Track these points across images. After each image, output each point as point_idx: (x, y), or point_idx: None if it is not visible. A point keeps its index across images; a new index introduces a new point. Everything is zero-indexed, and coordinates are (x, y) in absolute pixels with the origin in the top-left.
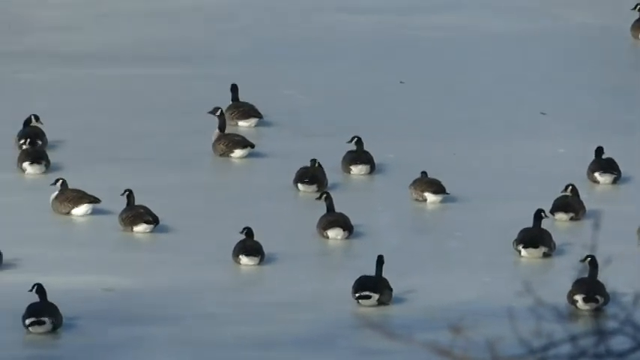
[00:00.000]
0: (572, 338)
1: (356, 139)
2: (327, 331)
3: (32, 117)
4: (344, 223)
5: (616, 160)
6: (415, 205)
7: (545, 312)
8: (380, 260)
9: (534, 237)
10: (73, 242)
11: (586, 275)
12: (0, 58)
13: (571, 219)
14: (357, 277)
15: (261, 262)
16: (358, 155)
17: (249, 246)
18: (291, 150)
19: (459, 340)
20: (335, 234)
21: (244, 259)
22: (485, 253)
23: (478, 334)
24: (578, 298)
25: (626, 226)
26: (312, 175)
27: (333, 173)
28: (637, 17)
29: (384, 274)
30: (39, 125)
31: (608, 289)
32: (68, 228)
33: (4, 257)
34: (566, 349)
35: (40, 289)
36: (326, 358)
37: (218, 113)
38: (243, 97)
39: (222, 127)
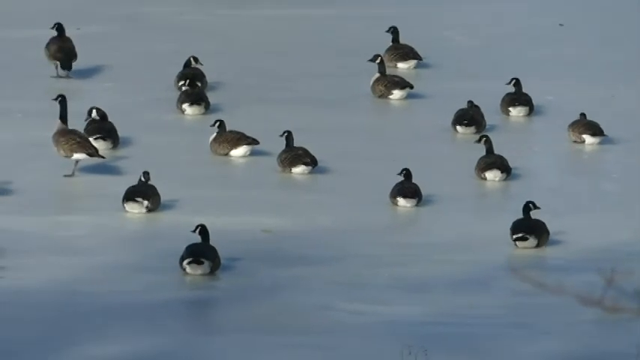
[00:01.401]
0: None
1: (514, 80)
2: (483, 272)
3: (191, 59)
4: (502, 165)
5: None
6: (573, 147)
7: None
8: (526, 207)
9: None
10: (231, 184)
11: None
12: None
13: None
14: (515, 219)
15: (418, 203)
16: (517, 97)
17: (406, 188)
18: (449, 92)
19: (610, 288)
20: (493, 175)
21: (402, 201)
22: None
23: (630, 281)
24: None
25: None
26: (470, 116)
27: (491, 115)
28: None
29: (540, 217)
30: (198, 66)
31: None
32: (227, 169)
33: (163, 198)
34: None
35: (202, 230)
36: (481, 299)
37: (378, 61)
38: (403, 39)
39: (382, 71)
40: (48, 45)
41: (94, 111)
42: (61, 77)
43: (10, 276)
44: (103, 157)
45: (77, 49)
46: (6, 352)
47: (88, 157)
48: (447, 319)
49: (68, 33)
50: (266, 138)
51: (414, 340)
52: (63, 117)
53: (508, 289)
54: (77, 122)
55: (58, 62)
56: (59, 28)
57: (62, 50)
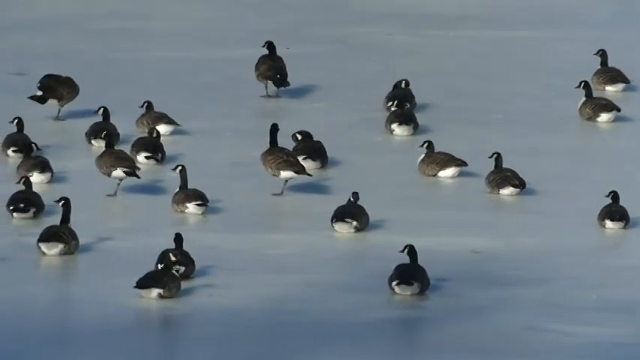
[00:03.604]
0: None
1: None
2: None
3: (403, 82)
4: None
5: None
6: None
7: None
8: None
9: None
10: (439, 204)
11: None
12: (372, 20)
13: None
14: None
15: (626, 226)
16: None
17: (614, 210)
18: None
19: None
20: None
21: (609, 224)
22: None
23: None
24: None
25: None
26: None
27: None
28: None
29: None
30: (408, 89)
31: None
32: (435, 190)
33: (372, 218)
34: None
35: (411, 251)
36: None
37: (582, 86)
38: (611, 61)
39: (588, 94)
40: (258, 64)
41: (297, 135)
42: (270, 97)
43: (220, 294)
44: (310, 175)
45: (287, 69)
46: None
47: (295, 175)
48: None
49: (278, 52)
50: (474, 159)
51: None
52: (273, 143)
53: None
54: (286, 142)
55: (268, 81)
56: (270, 46)
57: (272, 69)
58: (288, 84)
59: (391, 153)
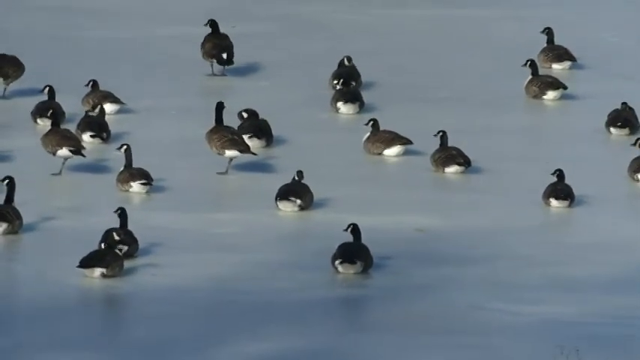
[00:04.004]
0: None
1: None
2: (638, 273)
3: (345, 58)
4: None
5: None
6: None
7: None
8: None
9: None
10: (384, 183)
11: None
12: None
13: None
14: None
15: (571, 204)
16: None
17: (559, 189)
18: (603, 93)
19: None
20: None
21: (554, 202)
22: None
23: None
24: None
25: None
26: (624, 118)
27: None
28: None
29: None
30: (352, 65)
31: None
32: (380, 168)
33: (316, 197)
34: None
35: (355, 229)
36: (636, 300)
37: (528, 64)
38: (557, 40)
39: (535, 72)
40: (203, 42)
41: (244, 113)
42: (216, 75)
43: (164, 273)
44: (254, 154)
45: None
46: (160, 348)
47: (239, 154)
48: (601, 319)
49: (223, 31)
50: (419, 137)
51: (566, 340)
52: (218, 121)
53: None
54: (232, 120)
55: (213, 60)
56: (213, 24)
57: (218, 47)
58: (232, 63)
59: (336, 131)
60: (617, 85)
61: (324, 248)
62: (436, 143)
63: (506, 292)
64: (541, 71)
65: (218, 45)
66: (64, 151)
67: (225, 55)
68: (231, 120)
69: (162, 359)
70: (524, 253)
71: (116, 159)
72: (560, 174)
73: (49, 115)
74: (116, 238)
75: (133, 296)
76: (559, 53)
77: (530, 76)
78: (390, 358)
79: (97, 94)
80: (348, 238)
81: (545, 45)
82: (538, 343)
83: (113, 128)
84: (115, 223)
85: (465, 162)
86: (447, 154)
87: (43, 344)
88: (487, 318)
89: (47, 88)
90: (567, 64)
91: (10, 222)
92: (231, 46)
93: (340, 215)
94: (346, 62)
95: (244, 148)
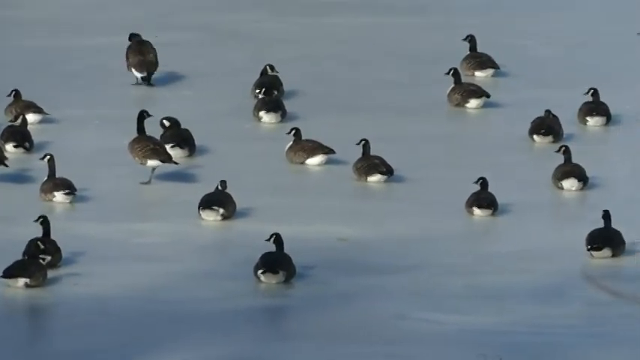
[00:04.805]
0: None
1: (592, 90)
2: (559, 282)
3: (267, 67)
4: (579, 174)
5: None
6: None
7: None
8: (606, 215)
9: None
10: (306, 192)
11: None
12: (239, 7)
13: None
14: (591, 229)
15: (494, 213)
16: (595, 106)
17: (482, 197)
18: (526, 101)
19: None
20: (570, 184)
21: (477, 211)
22: None
23: None
24: None
25: None
26: (547, 126)
27: (568, 124)
28: None
29: (617, 227)
30: (275, 74)
31: None
32: (302, 178)
33: (239, 206)
34: None
35: (277, 239)
36: (557, 309)
37: (451, 73)
38: (480, 47)
39: (457, 81)
40: (128, 55)
41: (165, 121)
42: (139, 84)
43: (85, 283)
44: (176, 164)
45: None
46: (84, 358)
47: (161, 163)
48: (522, 328)
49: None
50: (342, 146)
51: (488, 349)
52: (140, 131)
53: (584, 298)
54: (154, 129)
55: (138, 73)
56: (133, 38)
57: (143, 65)
58: (152, 84)
59: (259, 141)
60: (540, 93)
61: (247, 258)
62: (358, 152)
63: (429, 302)
64: (464, 79)
65: (143, 62)
66: None
67: (147, 74)
68: (154, 130)
69: None
70: (447, 262)
71: (39, 169)
72: (483, 182)
73: None
74: (41, 247)
75: (57, 306)
76: (482, 60)
77: (452, 85)
78: None
79: (20, 103)
80: (271, 247)
81: (468, 52)
82: (461, 352)
83: (36, 138)
84: (39, 232)
85: (387, 171)
86: (370, 163)
87: None
88: (410, 327)
89: None
90: (490, 71)
91: None
92: (155, 63)
93: (263, 225)
94: (269, 71)
95: (166, 158)
